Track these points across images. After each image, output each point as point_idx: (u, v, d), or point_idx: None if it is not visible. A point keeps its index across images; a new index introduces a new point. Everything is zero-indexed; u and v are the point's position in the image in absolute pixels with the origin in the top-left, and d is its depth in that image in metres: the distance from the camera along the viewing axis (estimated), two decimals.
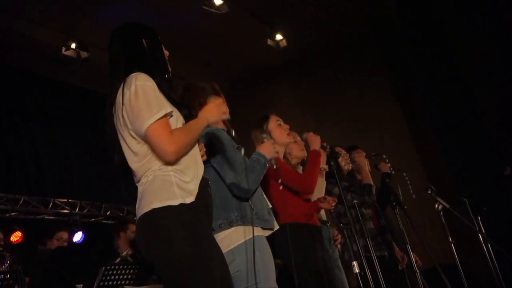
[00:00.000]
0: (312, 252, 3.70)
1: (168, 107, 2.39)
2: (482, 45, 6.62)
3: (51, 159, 8.33)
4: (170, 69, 2.64)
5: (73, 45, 7.71)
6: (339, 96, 9.31)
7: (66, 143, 8.67)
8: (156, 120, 2.32)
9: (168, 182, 2.35)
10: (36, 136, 8.28)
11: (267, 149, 3.12)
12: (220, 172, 2.94)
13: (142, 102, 2.34)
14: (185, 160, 2.43)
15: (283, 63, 9.84)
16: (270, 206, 3.18)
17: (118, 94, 2.42)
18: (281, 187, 3.11)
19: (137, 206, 2.42)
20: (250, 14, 8.19)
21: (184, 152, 2.41)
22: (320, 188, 4.29)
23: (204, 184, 2.48)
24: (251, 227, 2.85)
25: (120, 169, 2.52)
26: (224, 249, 2.67)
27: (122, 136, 2.44)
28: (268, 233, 3.05)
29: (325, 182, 4.31)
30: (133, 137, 2.40)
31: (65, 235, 5.82)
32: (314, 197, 4.15)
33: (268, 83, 10.11)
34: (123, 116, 2.38)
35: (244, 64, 9.72)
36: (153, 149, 2.37)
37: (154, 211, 2.32)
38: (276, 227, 3.12)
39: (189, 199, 2.35)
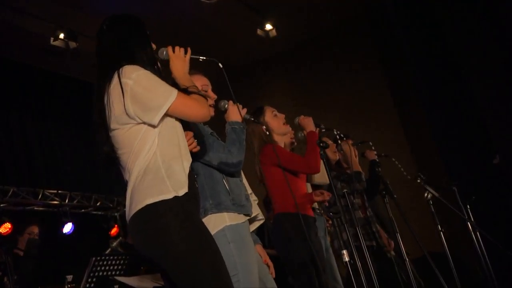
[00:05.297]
0: (305, 242, 3.69)
1: None
2: (475, 34, 6.61)
3: (41, 150, 8.28)
4: (158, 61, 2.64)
5: (62, 35, 7.65)
6: (332, 85, 9.32)
7: (56, 134, 8.63)
8: (178, 94, 2.39)
9: (159, 176, 2.33)
10: (26, 127, 8.24)
11: (235, 114, 3.13)
12: (204, 158, 2.94)
13: (155, 84, 2.39)
14: (171, 152, 2.41)
15: (276, 53, 9.83)
16: (250, 191, 3.17)
17: (112, 86, 2.39)
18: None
19: (128, 203, 2.39)
20: (243, 4, 8.15)
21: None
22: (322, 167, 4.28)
23: (192, 176, 2.47)
24: (225, 215, 2.87)
25: (106, 160, 2.50)
26: None
27: (112, 128, 2.42)
28: (247, 218, 3.04)
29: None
30: (121, 128, 2.39)
31: (35, 229, 5.79)
32: (317, 177, 4.17)
33: (261, 73, 10.10)
34: (124, 107, 2.35)
35: (237, 54, 9.68)
36: (187, 117, 2.48)
37: (148, 207, 2.29)
38: (255, 213, 3.11)
39: (182, 191, 2.34)
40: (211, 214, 2.86)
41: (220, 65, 2.79)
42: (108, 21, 2.60)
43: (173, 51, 2.65)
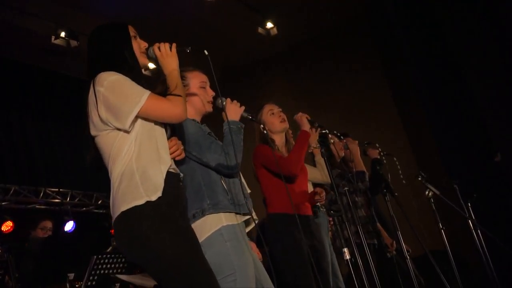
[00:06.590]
0: (296, 242, 3.66)
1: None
2: (475, 34, 6.62)
3: (42, 149, 8.30)
4: (144, 63, 2.63)
5: (63, 34, 7.65)
6: (332, 85, 9.34)
7: (56, 133, 8.65)
8: (148, 97, 2.36)
9: (133, 182, 2.33)
10: (26, 126, 8.25)
11: (232, 113, 3.07)
12: (202, 159, 2.92)
13: (126, 89, 2.37)
14: (147, 157, 2.40)
15: (276, 53, 9.84)
16: (249, 191, 3.16)
17: (89, 95, 2.41)
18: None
19: (111, 210, 2.42)
20: (243, 4, 8.16)
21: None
22: (324, 166, 4.26)
23: (172, 179, 2.45)
24: (221, 215, 2.85)
25: (94, 167, 2.53)
26: None
27: (93, 135, 2.44)
28: (244, 218, 3.02)
29: (322, 160, 4.25)
30: (100, 135, 2.41)
31: (49, 224, 5.79)
32: (313, 176, 4.16)
33: (261, 73, 10.11)
34: (98, 114, 2.37)
35: (237, 54, 9.70)
36: (161, 119, 2.46)
37: (123, 214, 2.30)
38: (253, 212, 3.10)
39: (155, 196, 2.32)
40: (208, 214, 2.84)
41: (206, 52, 2.73)
42: (91, 34, 2.62)
43: (159, 49, 2.62)
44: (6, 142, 7.83)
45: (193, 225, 2.74)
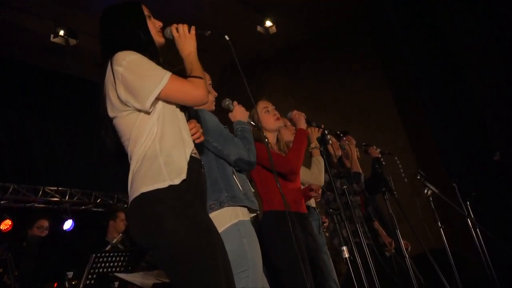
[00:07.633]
0: (292, 240, 3.65)
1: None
2: (475, 34, 6.63)
3: (42, 148, 8.29)
4: (161, 41, 2.56)
5: (62, 32, 7.62)
6: (332, 85, 9.34)
7: (56, 131, 8.63)
8: (170, 78, 2.30)
9: (156, 164, 2.27)
10: (26, 126, 8.24)
11: (241, 114, 3.14)
12: (223, 151, 2.93)
13: (146, 69, 2.31)
14: (171, 139, 2.34)
15: (276, 53, 9.83)
16: (253, 190, 3.17)
17: (107, 75, 2.35)
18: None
19: (128, 190, 2.35)
20: (243, 4, 8.17)
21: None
22: (320, 168, 4.25)
23: (194, 164, 2.39)
24: (238, 209, 2.86)
25: (114, 151, 2.46)
26: None
27: (111, 116, 2.38)
28: (252, 215, 3.03)
29: (322, 160, 4.24)
30: (119, 116, 2.35)
31: (45, 223, 5.76)
32: (313, 177, 4.14)
33: (261, 73, 10.09)
34: (117, 94, 2.31)
35: (237, 54, 9.61)
36: (182, 101, 2.39)
37: (143, 195, 2.24)
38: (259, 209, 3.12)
39: (179, 179, 2.26)
40: (226, 206, 2.84)
41: (227, 37, 2.73)
42: (102, 14, 2.55)
43: (177, 30, 2.57)
44: (5, 142, 7.81)
45: (211, 216, 2.70)
